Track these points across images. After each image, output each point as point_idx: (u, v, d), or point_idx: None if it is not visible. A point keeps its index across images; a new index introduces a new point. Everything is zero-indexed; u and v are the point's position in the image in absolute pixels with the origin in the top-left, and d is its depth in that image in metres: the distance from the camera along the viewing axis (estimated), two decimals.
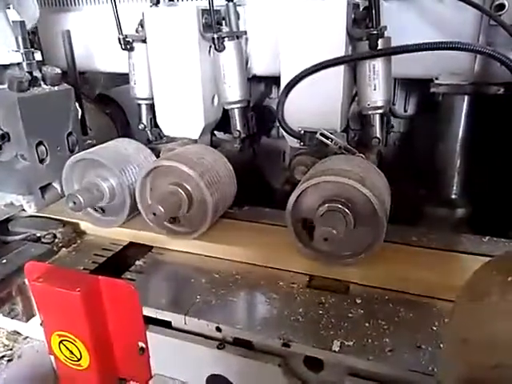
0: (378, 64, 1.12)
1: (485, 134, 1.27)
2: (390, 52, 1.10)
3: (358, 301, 0.91)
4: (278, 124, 1.57)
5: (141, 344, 0.90)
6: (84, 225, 1.22)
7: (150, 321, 0.93)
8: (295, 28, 1.16)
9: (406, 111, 1.55)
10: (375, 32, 1.07)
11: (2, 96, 1.12)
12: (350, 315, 0.87)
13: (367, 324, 0.85)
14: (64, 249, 1.13)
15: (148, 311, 0.91)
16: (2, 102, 1.12)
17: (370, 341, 0.80)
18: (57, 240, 1.13)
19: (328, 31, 1.12)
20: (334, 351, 0.78)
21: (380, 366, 0.76)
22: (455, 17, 1.14)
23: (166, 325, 0.93)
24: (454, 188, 1.35)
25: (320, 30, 1.13)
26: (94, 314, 0.87)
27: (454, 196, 1.36)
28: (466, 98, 1.25)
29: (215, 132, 1.52)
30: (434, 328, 0.83)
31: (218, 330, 0.86)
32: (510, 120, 1.13)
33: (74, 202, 1.07)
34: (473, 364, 0.49)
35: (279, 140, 1.75)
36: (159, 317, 0.91)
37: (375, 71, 1.13)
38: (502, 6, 1.08)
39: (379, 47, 1.10)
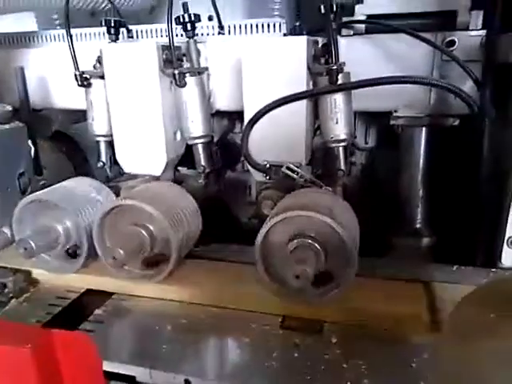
0: (339, 98, 1.14)
1: (445, 163, 1.31)
2: (350, 86, 1.12)
3: (334, 340, 0.87)
4: (243, 158, 1.57)
5: None
6: (37, 272, 1.12)
7: (111, 376, 0.85)
8: (257, 64, 1.17)
9: (366, 143, 1.58)
10: (335, 67, 1.09)
11: None
12: (326, 356, 0.83)
13: (345, 365, 0.81)
14: (14, 300, 1.04)
15: (109, 366, 0.83)
16: None
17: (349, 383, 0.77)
18: (6, 290, 1.03)
19: (289, 67, 1.13)
20: None
21: None
22: (410, 52, 1.19)
23: (129, 380, 0.86)
24: (419, 217, 1.37)
25: (282, 66, 1.14)
26: (47, 372, 0.79)
27: (418, 225, 1.38)
28: (424, 129, 1.29)
29: (179, 168, 1.48)
30: (413, 365, 0.80)
31: (187, 382, 0.79)
32: (467, 149, 1.17)
33: (25, 248, 0.98)
34: None
35: (244, 174, 1.73)
36: (121, 371, 0.83)
37: (336, 105, 1.14)
38: (452, 42, 1.14)
39: (339, 82, 1.12)
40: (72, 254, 1.09)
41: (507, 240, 1.09)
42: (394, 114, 1.26)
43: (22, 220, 1.09)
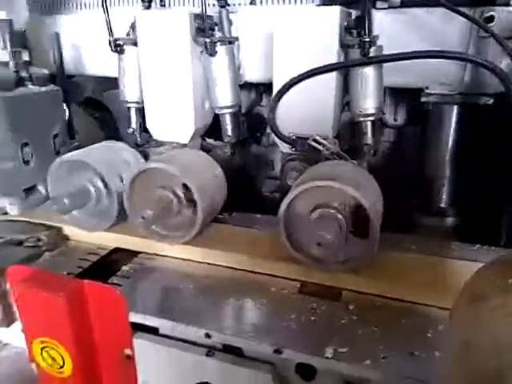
0: (370, 71, 1.13)
1: (474, 143, 1.29)
2: (382, 59, 1.11)
3: (351, 307, 0.90)
4: (268, 131, 1.58)
5: (127, 351, 0.86)
6: (68, 229, 1.18)
7: (135, 327, 0.89)
8: (288, 34, 1.16)
9: (395, 121, 1.56)
10: (368, 39, 1.08)
11: None
12: (342, 321, 0.86)
13: (360, 331, 0.83)
14: (48, 253, 1.10)
15: (134, 317, 0.88)
16: None
17: (363, 347, 0.79)
18: (41, 243, 1.09)
19: (321, 38, 1.13)
20: (327, 358, 0.76)
21: (374, 372, 0.74)
22: (445, 28, 1.16)
23: (153, 331, 0.90)
24: (444, 197, 1.36)
25: (313, 37, 1.13)
26: (78, 319, 0.84)
27: (443, 205, 1.37)
28: (456, 107, 1.27)
29: (205, 138, 1.50)
30: (429, 335, 0.82)
31: (208, 336, 0.83)
32: (498, 129, 1.14)
33: (59, 205, 1.04)
34: (475, 368, 0.48)
35: (268, 148, 1.74)
36: (146, 323, 0.88)
37: (367, 79, 1.13)
38: (491, 18, 1.10)
39: (371, 55, 1.10)
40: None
41: None
42: (426, 91, 1.24)
43: (56, 179, 1.14)
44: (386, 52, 1.13)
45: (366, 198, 0.89)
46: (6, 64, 1.18)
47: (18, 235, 1.12)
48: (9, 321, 0.97)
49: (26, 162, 1.18)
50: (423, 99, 1.24)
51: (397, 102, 1.51)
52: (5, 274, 0.89)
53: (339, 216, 0.93)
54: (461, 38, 1.16)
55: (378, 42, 1.13)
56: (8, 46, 1.16)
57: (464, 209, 1.34)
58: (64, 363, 0.86)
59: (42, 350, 0.86)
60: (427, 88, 1.23)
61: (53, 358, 0.86)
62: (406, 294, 0.91)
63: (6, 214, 1.22)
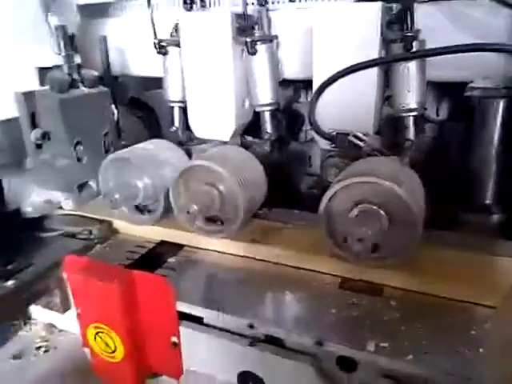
0: (413, 66, 1.11)
1: None
2: (426, 54, 1.09)
3: (393, 303, 0.90)
4: (306, 128, 1.59)
5: (173, 339, 0.91)
6: (117, 223, 1.25)
7: (181, 316, 0.94)
8: (328, 31, 1.17)
9: (437, 116, 1.52)
10: (410, 34, 1.07)
11: (44, 97, 1.16)
12: (384, 317, 0.86)
13: (403, 326, 0.83)
14: (99, 245, 1.17)
15: (181, 306, 0.92)
16: (44, 102, 1.16)
17: (405, 343, 0.79)
18: (92, 236, 1.16)
19: (362, 34, 1.12)
20: (369, 351, 0.77)
21: (417, 367, 0.74)
22: (489, 19, 1.13)
23: (198, 321, 0.94)
24: (489, 193, 1.32)
25: (353, 33, 1.13)
26: (129, 306, 0.90)
27: (488, 202, 1.33)
28: (502, 101, 1.23)
29: (245, 136, 1.53)
30: (473, 332, 0.81)
31: (251, 326, 0.86)
32: None
33: (111, 200, 1.10)
34: None
35: (306, 145, 1.75)
36: (192, 312, 0.92)
37: (409, 73, 1.12)
38: None
39: (414, 49, 1.09)
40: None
41: None
42: (470, 85, 1.21)
43: (107, 175, 1.20)
44: (428, 46, 1.11)
45: (409, 194, 0.89)
46: (59, 67, 1.25)
47: (72, 228, 1.19)
48: (64, 308, 1.05)
49: (79, 160, 1.25)
50: (467, 93, 1.21)
51: (439, 96, 1.48)
52: (61, 264, 0.96)
53: (381, 212, 0.93)
54: (506, 29, 1.12)
55: (421, 36, 1.12)
56: (62, 51, 1.23)
57: (510, 206, 1.30)
58: (116, 348, 0.92)
59: (95, 335, 0.92)
60: (471, 82, 1.20)
61: (106, 343, 0.92)
62: (449, 292, 0.91)
63: (61, 208, 1.30)
